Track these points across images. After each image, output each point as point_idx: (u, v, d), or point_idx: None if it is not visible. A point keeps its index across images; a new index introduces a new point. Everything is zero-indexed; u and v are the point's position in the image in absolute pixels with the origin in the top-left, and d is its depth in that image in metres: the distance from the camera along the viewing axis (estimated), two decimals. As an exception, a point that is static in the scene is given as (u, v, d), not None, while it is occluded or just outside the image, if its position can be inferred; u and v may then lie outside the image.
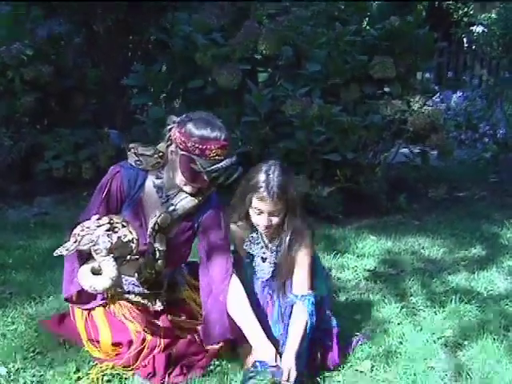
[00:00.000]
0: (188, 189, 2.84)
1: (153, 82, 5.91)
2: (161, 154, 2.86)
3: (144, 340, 2.84)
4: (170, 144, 2.82)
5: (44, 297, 3.60)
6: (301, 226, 2.90)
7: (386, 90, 5.86)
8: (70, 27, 6.68)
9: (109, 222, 2.59)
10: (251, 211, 2.86)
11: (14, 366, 2.81)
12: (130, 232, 2.64)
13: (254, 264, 3.01)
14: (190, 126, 2.73)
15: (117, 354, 2.85)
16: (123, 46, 7.23)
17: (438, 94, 8.88)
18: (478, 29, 12.73)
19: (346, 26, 5.85)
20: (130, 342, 2.83)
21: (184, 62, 5.88)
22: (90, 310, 2.94)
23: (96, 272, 2.54)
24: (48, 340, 3.06)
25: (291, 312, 2.88)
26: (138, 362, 2.80)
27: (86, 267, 2.57)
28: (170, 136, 2.81)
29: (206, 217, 2.94)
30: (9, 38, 6.22)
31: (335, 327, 3.00)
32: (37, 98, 6.19)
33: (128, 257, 2.65)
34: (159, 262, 2.91)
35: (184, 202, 2.87)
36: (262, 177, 2.81)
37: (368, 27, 6.09)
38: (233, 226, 3.00)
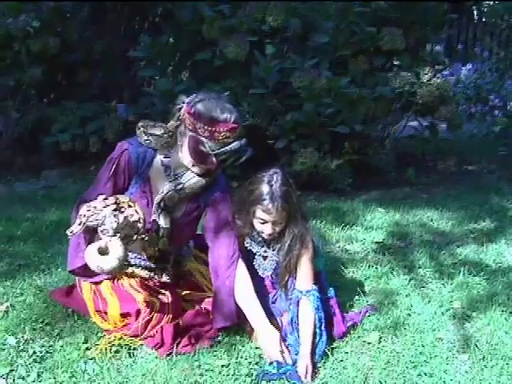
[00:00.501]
0: (196, 169, 2.82)
1: (160, 55, 5.86)
2: (170, 133, 2.83)
3: (152, 310, 2.84)
4: (180, 124, 2.79)
5: (52, 268, 3.61)
6: (301, 229, 2.89)
7: (395, 62, 5.80)
8: (77, -1, 6.64)
9: (115, 202, 2.57)
10: (255, 221, 2.86)
11: (23, 337, 2.82)
12: (137, 212, 2.62)
13: (254, 262, 3.01)
14: (199, 107, 2.69)
15: (124, 325, 2.86)
16: (130, 18, 7.18)
17: (448, 67, 8.82)
18: (489, 1, 12.57)
19: (353, -2, 5.79)
20: (138, 312, 2.83)
21: (191, 34, 5.84)
22: (96, 283, 2.94)
23: (103, 252, 2.53)
24: (57, 311, 3.07)
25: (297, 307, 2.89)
26: (146, 332, 2.81)
27: (93, 247, 2.55)
28: (179, 116, 2.78)
29: (214, 198, 2.94)
30: (15, 10, 6.17)
31: (334, 297, 3.01)
32: (43, 70, 6.16)
33: (134, 236, 2.64)
34: (163, 239, 2.90)
35: (192, 181, 2.85)
36: (265, 188, 2.80)
37: (377, -2, 6.02)
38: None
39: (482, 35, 12.32)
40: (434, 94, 5.52)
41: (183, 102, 2.77)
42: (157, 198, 2.84)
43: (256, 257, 3.00)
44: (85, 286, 2.96)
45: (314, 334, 2.79)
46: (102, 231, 2.53)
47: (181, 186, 2.84)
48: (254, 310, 2.81)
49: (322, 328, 2.81)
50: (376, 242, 4.19)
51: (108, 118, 6.18)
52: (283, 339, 2.78)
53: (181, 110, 2.77)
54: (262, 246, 2.99)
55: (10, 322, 2.95)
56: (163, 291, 2.95)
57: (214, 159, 2.73)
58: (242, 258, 2.89)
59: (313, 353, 2.73)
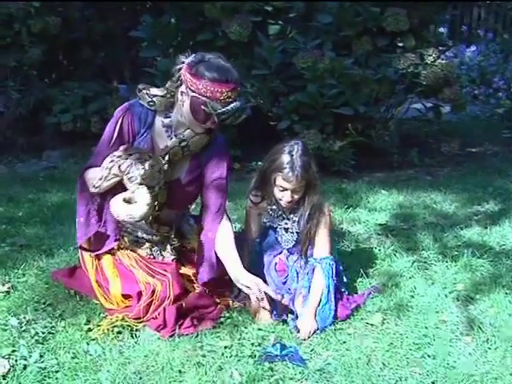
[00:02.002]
0: (197, 129, 2.87)
1: (162, 35, 5.83)
2: (172, 93, 2.86)
3: (154, 292, 2.83)
4: (180, 84, 2.81)
5: (54, 250, 3.61)
6: (320, 198, 3.00)
7: (399, 43, 5.75)
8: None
9: (138, 152, 2.65)
10: (275, 189, 2.95)
11: (25, 318, 2.81)
12: (158, 162, 2.71)
13: (277, 235, 3.09)
14: (201, 68, 2.72)
15: (126, 307, 2.86)
16: (132, -2, 7.13)
17: (452, 48, 8.76)
18: (493, -19, 12.47)
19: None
20: (140, 294, 2.83)
21: (193, 14, 5.79)
22: (99, 258, 2.95)
23: (130, 201, 2.61)
24: (59, 292, 3.06)
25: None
26: (149, 314, 2.80)
27: (119, 198, 2.65)
28: (179, 76, 2.81)
29: (212, 156, 2.98)
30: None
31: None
32: (44, 50, 6.13)
33: (156, 187, 2.73)
34: (162, 192, 2.89)
35: (194, 139, 2.89)
36: (286, 158, 2.89)
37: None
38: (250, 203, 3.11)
39: (486, 16, 12.22)
40: (438, 75, 5.48)
41: (182, 63, 2.80)
42: (161, 151, 2.87)
43: (278, 230, 3.08)
44: (88, 263, 2.97)
45: (320, 300, 2.90)
46: (129, 179, 2.65)
47: (185, 143, 2.88)
48: (232, 260, 2.87)
49: (331, 295, 2.90)
50: (379, 224, 4.17)
51: (110, 98, 6.16)
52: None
53: (180, 71, 2.80)
54: (283, 219, 3.07)
55: (12, 302, 2.95)
56: (165, 273, 2.93)
57: (215, 118, 2.77)
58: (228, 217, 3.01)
59: (315, 315, 2.84)
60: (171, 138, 2.90)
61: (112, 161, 2.65)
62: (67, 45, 6.50)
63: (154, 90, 2.89)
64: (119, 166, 2.66)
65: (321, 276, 2.94)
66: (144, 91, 2.88)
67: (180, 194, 2.99)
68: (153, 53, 6.10)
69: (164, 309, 2.80)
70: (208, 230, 2.96)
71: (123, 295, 2.88)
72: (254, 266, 3.02)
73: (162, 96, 2.88)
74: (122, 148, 2.69)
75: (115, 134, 2.85)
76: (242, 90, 2.87)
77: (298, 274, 3.05)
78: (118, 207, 2.64)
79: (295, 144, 2.94)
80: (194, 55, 2.80)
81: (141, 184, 2.61)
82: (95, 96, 6.24)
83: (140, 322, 2.80)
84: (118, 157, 2.66)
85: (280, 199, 2.96)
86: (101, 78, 6.64)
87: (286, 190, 2.91)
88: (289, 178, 2.87)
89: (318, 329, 2.80)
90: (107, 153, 2.77)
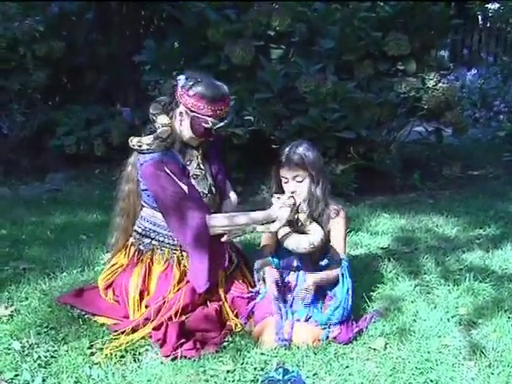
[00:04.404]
0: (195, 142, 3.11)
1: (165, 59, 5.87)
2: (165, 128, 3.01)
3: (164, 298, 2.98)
4: (177, 107, 3.00)
5: (57, 273, 3.61)
6: (323, 195, 3.13)
7: (401, 67, 5.79)
8: (82, 3, 6.65)
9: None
10: (282, 182, 3.14)
11: (27, 341, 2.81)
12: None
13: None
14: (200, 88, 2.93)
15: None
16: (135, 22, 7.19)
17: (453, 72, 8.81)
18: (493, 6, 12.57)
19: (360, 2, 5.77)
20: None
21: (196, 39, 5.84)
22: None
23: (302, 232, 3.04)
24: (61, 315, 3.07)
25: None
26: (158, 318, 2.88)
27: (295, 235, 3.00)
28: (175, 100, 3.01)
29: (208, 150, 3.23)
30: (21, 13, 6.19)
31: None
32: (49, 74, 6.18)
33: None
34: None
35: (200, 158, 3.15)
36: (286, 149, 3.12)
37: (382, 3, 6.01)
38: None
39: (487, 40, 12.31)
40: (439, 99, 5.51)
41: (174, 85, 2.99)
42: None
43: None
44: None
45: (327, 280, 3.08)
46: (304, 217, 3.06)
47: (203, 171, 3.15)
48: (239, 216, 3.05)
49: (350, 294, 3.03)
50: (381, 248, 4.18)
51: (113, 121, 6.20)
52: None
53: (176, 93, 2.99)
54: None
55: (15, 326, 2.96)
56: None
57: (213, 132, 3.02)
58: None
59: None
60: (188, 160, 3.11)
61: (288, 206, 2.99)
62: (71, 68, 6.55)
63: (146, 139, 3.03)
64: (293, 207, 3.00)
65: (335, 270, 3.08)
66: (145, 146, 3.02)
67: (221, 191, 3.27)
68: (156, 76, 6.13)
69: (167, 324, 2.84)
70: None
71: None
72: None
73: (161, 139, 3.01)
74: (287, 195, 3.05)
75: (176, 180, 2.98)
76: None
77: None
78: (301, 241, 2.98)
79: (299, 141, 3.19)
80: (185, 77, 2.98)
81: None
82: (98, 119, 6.29)
83: (141, 339, 2.86)
84: (288, 202, 3.01)
85: (287, 191, 3.10)
86: (104, 101, 6.69)
87: (288, 179, 3.10)
88: (285, 165, 3.08)
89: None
90: (192, 196, 2.99)
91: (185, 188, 2.98)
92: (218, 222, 3.00)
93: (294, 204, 3.03)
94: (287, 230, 3.01)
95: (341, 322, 2.94)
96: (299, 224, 3.07)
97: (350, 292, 3.04)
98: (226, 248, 3.15)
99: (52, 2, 6.56)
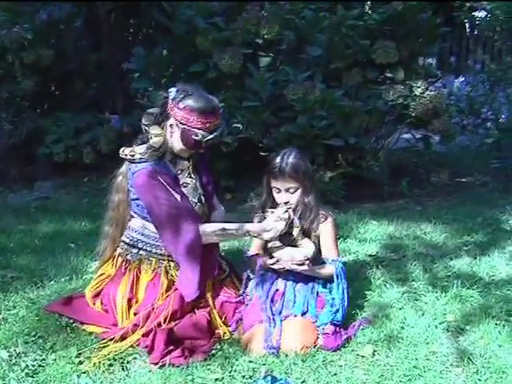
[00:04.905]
0: (185, 154, 3.12)
1: (154, 66, 5.87)
2: (158, 138, 3.04)
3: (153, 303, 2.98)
4: (167, 119, 3.02)
5: (45, 281, 3.61)
6: (314, 201, 3.16)
7: (389, 74, 5.82)
8: (71, 11, 6.64)
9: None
10: (273, 192, 3.15)
11: (15, 350, 2.81)
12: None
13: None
14: (189, 101, 2.96)
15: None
16: (124, 30, 7.19)
17: (441, 80, 8.84)
18: (481, 14, 12.63)
19: (348, 10, 5.80)
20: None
21: (185, 46, 5.85)
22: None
23: (295, 245, 3.10)
24: (49, 324, 3.06)
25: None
26: (147, 324, 2.89)
27: (289, 248, 3.06)
28: (165, 112, 3.03)
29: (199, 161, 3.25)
30: (9, 21, 6.18)
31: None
32: (37, 81, 6.17)
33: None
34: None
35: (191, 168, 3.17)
36: (278, 159, 3.11)
37: (370, 11, 6.04)
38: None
39: (474, 48, 12.38)
40: (427, 106, 5.54)
41: (165, 97, 3.03)
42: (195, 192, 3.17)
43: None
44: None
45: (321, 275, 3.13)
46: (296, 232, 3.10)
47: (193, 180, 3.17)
48: (232, 228, 3.07)
49: (345, 295, 3.10)
50: (370, 255, 4.19)
51: (101, 129, 6.19)
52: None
53: (167, 106, 3.02)
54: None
55: (2, 335, 2.95)
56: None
57: (203, 144, 3.04)
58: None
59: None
60: (178, 170, 3.13)
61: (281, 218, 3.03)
62: (60, 76, 6.54)
63: (139, 149, 3.08)
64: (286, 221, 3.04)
65: (331, 268, 3.13)
66: (137, 155, 3.05)
67: (210, 202, 3.30)
68: (145, 84, 6.14)
69: (155, 331, 2.83)
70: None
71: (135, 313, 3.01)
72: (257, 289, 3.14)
73: (153, 148, 3.04)
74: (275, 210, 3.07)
75: (169, 189, 3.00)
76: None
77: (295, 297, 3.08)
78: (295, 253, 3.04)
79: (289, 150, 3.16)
80: (175, 90, 3.01)
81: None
82: (87, 127, 6.28)
83: (129, 346, 2.86)
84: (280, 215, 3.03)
85: (279, 202, 3.12)
86: (93, 109, 6.68)
87: (280, 190, 3.11)
88: (278, 177, 3.09)
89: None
90: (186, 206, 3.02)
91: (178, 197, 3.00)
92: (213, 231, 3.03)
93: (289, 217, 3.06)
94: (278, 243, 3.06)
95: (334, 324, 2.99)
96: (292, 238, 3.11)
97: (346, 293, 3.11)
98: (216, 257, 3.19)
99: (40, 9, 6.56)
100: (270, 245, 3.08)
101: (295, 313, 3.00)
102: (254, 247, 3.26)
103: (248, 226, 3.08)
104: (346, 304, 3.09)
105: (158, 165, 3.04)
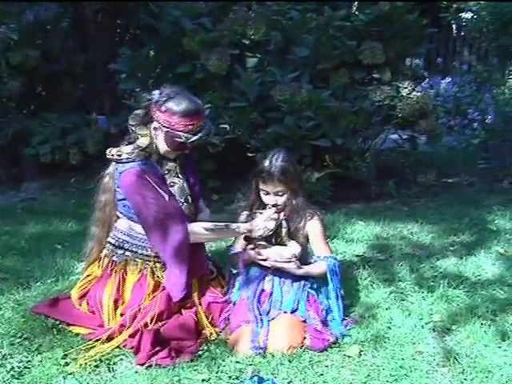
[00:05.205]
0: (172, 155, 3.12)
1: (141, 67, 5.86)
2: (145, 138, 3.05)
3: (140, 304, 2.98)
4: (152, 121, 3.02)
5: (31, 283, 3.59)
6: (301, 203, 3.19)
7: (376, 75, 5.83)
8: (57, 11, 6.62)
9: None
10: (261, 193, 3.16)
11: (0, 352, 2.80)
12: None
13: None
14: (170, 104, 2.96)
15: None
16: (111, 30, 7.17)
17: (427, 80, 8.88)
18: (467, 15, 12.70)
19: (335, 11, 5.81)
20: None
21: (172, 47, 5.84)
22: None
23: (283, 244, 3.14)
24: (35, 326, 3.05)
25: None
26: (134, 325, 2.89)
27: (277, 247, 3.10)
28: (150, 114, 3.03)
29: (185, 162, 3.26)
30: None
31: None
32: (23, 82, 6.15)
33: None
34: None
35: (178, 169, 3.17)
36: (266, 162, 3.12)
37: (357, 12, 6.05)
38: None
39: (461, 49, 12.44)
40: (413, 107, 5.56)
41: (148, 100, 3.02)
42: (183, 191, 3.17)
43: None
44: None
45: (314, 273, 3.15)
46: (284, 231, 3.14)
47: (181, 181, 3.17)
48: (221, 224, 3.10)
49: (338, 293, 3.16)
50: (357, 255, 4.20)
51: (88, 129, 6.16)
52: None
53: (148, 108, 3.03)
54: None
55: (-12, 336, 2.93)
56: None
57: (188, 145, 3.05)
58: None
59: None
60: (165, 170, 3.12)
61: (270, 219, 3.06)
62: (46, 77, 6.51)
63: (126, 149, 3.08)
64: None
65: (324, 264, 3.14)
66: (124, 155, 3.05)
67: (196, 203, 3.28)
68: (132, 85, 6.13)
69: (142, 332, 2.83)
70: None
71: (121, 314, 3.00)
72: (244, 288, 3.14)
73: (140, 148, 3.04)
74: (271, 210, 3.09)
75: (157, 189, 3.00)
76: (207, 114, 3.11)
77: (282, 297, 3.08)
78: (283, 251, 3.07)
79: (277, 152, 3.16)
80: (158, 92, 3.01)
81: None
82: (74, 128, 6.25)
83: (116, 347, 2.86)
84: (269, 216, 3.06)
85: (267, 203, 3.14)
86: (80, 109, 6.66)
87: (269, 193, 3.12)
88: (267, 181, 3.09)
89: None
90: (174, 206, 3.03)
91: (166, 196, 3.00)
92: (203, 229, 3.05)
93: (278, 218, 3.09)
94: (265, 243, 3.09)
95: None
96: (279, 239, 3.14)
97: (338, 291, 3.17)
98: (204, 255, 3.22)
99: (26, 10, 6.54)
100: (256, 244, 3.08)
101: (285, 309, 3.01)
102: (239, 245, 3.27)
103: (238, 224, 3.12)
104: (340, 303, 3.17)
105: (145, 164, 3.03)
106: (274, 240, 3.14)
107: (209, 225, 3.07)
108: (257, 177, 3.16)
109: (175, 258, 2.98)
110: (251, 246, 3.13)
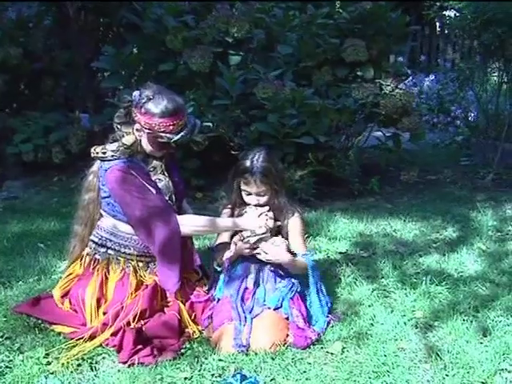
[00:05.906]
0: (158, 154, 3.10)
1: (124, 65, 5.84)
2: (130, 136, 3.04)
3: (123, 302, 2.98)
4: (134, 122, 3.01)
5: (13, 282, 3.58)
6: (284, 203, 3.18)
7: (359, 73, 5.84)
8: (40, 9, 6.58)
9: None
10: (243, 193, 3.15)
11: (-18, 352, 2.78)
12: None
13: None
14: (150, 106, 2.93)
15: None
16: (94, 28, 7.14)
17: (411, 78, 8.92)
18: (450, 13, 12.74)
19: (318, 8, 5.82)
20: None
21: (155, 45, 5.82)
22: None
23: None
24: (17, 325, 3.04)
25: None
26: (116, 323, 2.88)
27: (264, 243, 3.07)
28: (130, 116, 3.02)
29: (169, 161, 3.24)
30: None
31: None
32: (6, 80, 6.10)
33: None
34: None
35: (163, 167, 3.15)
36: (247, 163, 3.09)
37: (340, 10, 6.05)
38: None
39: (444, 47, 12.49)
40: (396, 104, 5.57)
41: (128, 101, 3.00)
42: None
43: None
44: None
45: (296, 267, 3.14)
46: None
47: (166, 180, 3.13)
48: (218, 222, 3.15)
49: (319, 287, 3.19)
50: (340, 253, 4.21)
51: (72, 128, 6.13)
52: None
53: (128, 109, 3.02)
54: None
55: (-31, 336, 2.91)
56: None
57: (172, 144, 3.04)
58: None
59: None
60: (150, 168, 3.11)
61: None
62: (29, 75, 6.47)
63: (111, 147, 3.06)
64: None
65: (303, 260, 3.12)
66: (109, 152, 3.04)
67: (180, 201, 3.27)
68: (115, 83, 6.11)
69: (124, 330, 2.83)
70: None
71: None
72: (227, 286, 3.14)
73: (126, 146, 3.03)
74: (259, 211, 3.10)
75: (144, 183, 3.00)
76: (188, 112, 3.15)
77: (265, 295, 3.08)
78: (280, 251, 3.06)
79: (258, 152, 3.14)
80: (138, 94, 2.97)
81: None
82: (57, 126, 6.21)
83: (99, 346, 2.87)
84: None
85: (249, 203, 3.14)
86: (63, 107, 6.62)
87: (251, 193, 3.11)
88: (249, 182, 3.08)
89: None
90: (161, 199, 3.02)
91: (153, 190, 3.00)
92: (193, 221, 3.09)
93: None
94: (254, 239, 3.07)
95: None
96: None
97: (319, 285, 3.20)
98: (192, 246, 3.27)
99: (9, 7, 6.50)
100: (245, 240, 3.07)
101: (269, 305, 3.02)
102: (220, 240, 3.26)
103: (234, 219, 3.15)
104: (326, 296, 3.23)
105: (130, 161, 3.03)
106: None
107: (205, 217, 3.11)
108: (238, 178, 3.14)
109: (165, 251, 2.99)
110: (238, 239, 3.11)
